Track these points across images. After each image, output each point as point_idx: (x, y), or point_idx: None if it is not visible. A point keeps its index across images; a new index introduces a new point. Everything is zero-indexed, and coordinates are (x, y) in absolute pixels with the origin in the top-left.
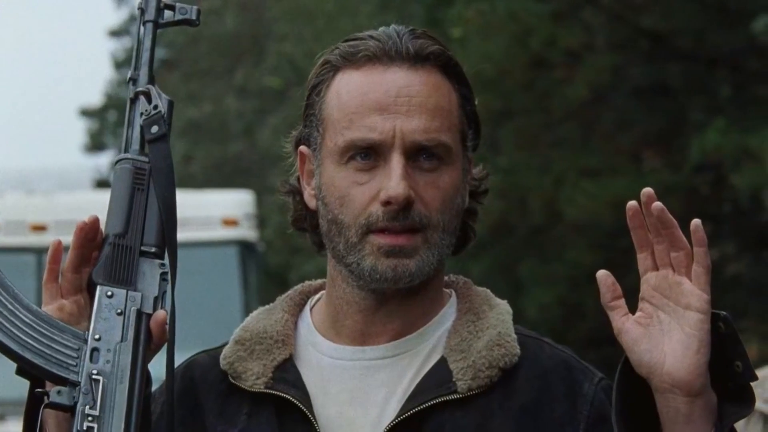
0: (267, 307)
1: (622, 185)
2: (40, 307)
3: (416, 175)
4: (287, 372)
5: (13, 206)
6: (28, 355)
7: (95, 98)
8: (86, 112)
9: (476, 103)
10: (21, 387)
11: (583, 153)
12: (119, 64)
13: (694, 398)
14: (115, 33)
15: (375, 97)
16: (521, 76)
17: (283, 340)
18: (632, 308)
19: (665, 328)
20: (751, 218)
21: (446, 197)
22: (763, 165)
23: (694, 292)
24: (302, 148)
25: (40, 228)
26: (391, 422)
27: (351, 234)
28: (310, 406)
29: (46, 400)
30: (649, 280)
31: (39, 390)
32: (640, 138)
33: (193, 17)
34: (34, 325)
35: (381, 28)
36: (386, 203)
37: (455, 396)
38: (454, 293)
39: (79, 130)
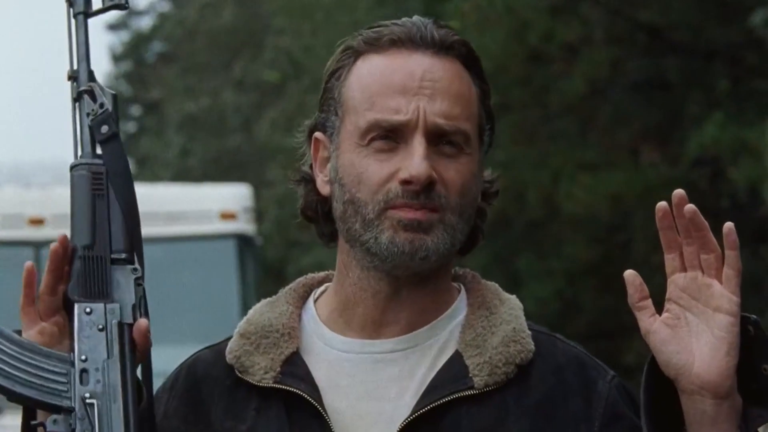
0: (270, 299)
1: (620, 179)
2: (21, 334)
3: (437, 159)
4: (296, 366)
5: (10, 200)
6: (18, 389)
7: None
8: None
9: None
10: None
11: (580, 147)
12: (117, 58)
13: (721, 401)
14: (113, 26)
15: (399, 79)
16: (519, 70)
17: (289, 333)
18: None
19: (694, 330)
20: (749, 212)
21: (465, 183)
22: (761, 159)
23: (724, 294)
24: (317, 134)
25: (37, 221)
26: (408, 417)
27: (368, 211)
28: (320, 401)
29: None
30: (677, 281)
31: (34, 422)
32: (638, 132)
33: (122, 1)
34: (19, 356)
35: (404, 18)
36: (406, 182)
37: (471, 392)
38: (462, 287)
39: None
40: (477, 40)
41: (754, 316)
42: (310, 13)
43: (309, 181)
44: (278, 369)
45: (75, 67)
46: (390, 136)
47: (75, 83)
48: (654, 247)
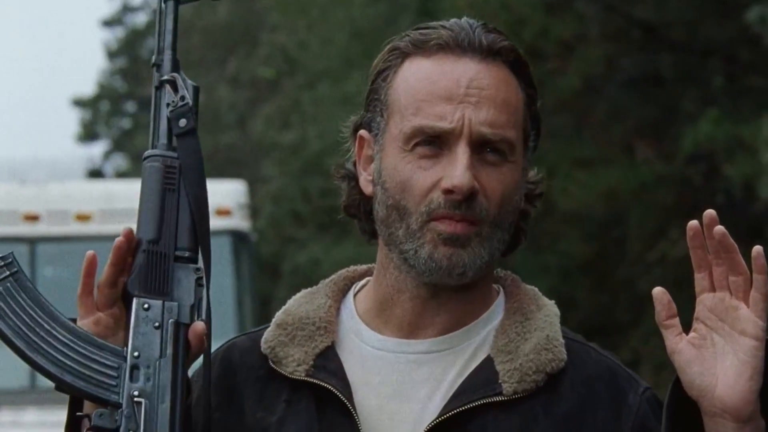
0: (310, 290)
1: (615, 176)
2: (72, 321)
3: (480, 167)
4: (329, 360)
5: (5, 196)
6: (68, 378)
7: (88, 88)
8: (79, 102)
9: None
10: (14, 376)
11: (575, 143)
12: (112, 54)
13: (743, 425)
14: (108, 23)
15: (445, 85)
16: None
17: (325, 327)
18: (630, 301)
19: (719, 352)
20: (744, 209)
21: (506, 193)
22: (756, 155)
23: (750, 318)
24: (362, 132)
25: (32, 218)
26: (434, 420)
27: (413, 221)
28: (350, 398)
29: (88, 423)
30: (705, 301)
31: (80, 413)
32: (633, 128)
33: None
34: (72, 344)
35: (453, 20)
36: (448, 192)
37: (500, 398)
38: (501, 290)
39: (71, 120)
40: None
41: None
42: (305, 9)
43: (352, 178)
44: (311, 362)
45: (160, 54)
46: (434, 142)
47: (158, 71)
48: (648, 243)
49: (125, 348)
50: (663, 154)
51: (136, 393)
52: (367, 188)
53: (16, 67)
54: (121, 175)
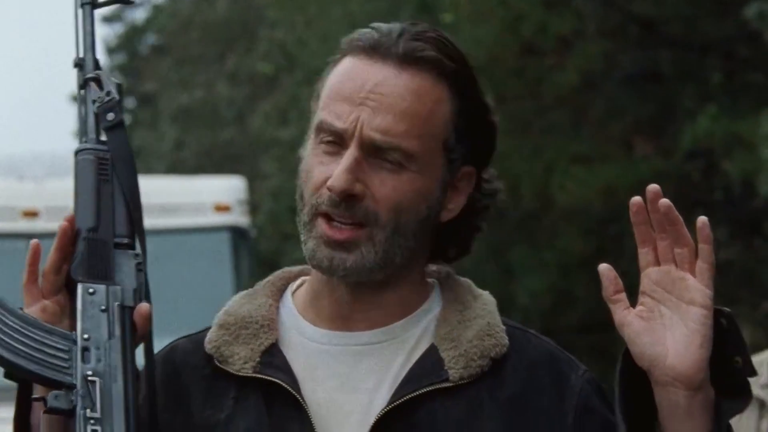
0: (248, 291)
1: (614, 172)
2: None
3: (373, 172)
4: (274, 357)
5: (4, 192)
6: (21, 362)
7: None
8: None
9: (492, 118)
10: None
11: (574, 140)
12: (111, 50)
13: (694, 392)
14: (107, 19)
15: (351, 86)
16: (512, 63)
17: (268, 325)
18: (628, 297)
19: (667, 323)
20: (743, 205)
21: (403, 201)
22: (755, 151)
23: (697, 288)
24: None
25: (31, 214)
26: (384, 409)
27: (305, 212)
28: (299, 391)
29: (43, 406)
30: (650, 275)
31: (35, 396)
32: (631, 125)
33: None
34: (23, 330)
35: (391, 24)
36: (330, 189)
37: (447, 384)
38: (437, 283)
39: (70, 116)
40: (471, 33)
41: (727, 309)
42: (303, 5)
43: None
44: (257, 359)
45: (81, 55)
46: (335, 139)
47: (81, 71)
48: None
49: (74, 332)
50: (662, 151)
51: (89, 373)
52: None
53: (14, 62)
54: None
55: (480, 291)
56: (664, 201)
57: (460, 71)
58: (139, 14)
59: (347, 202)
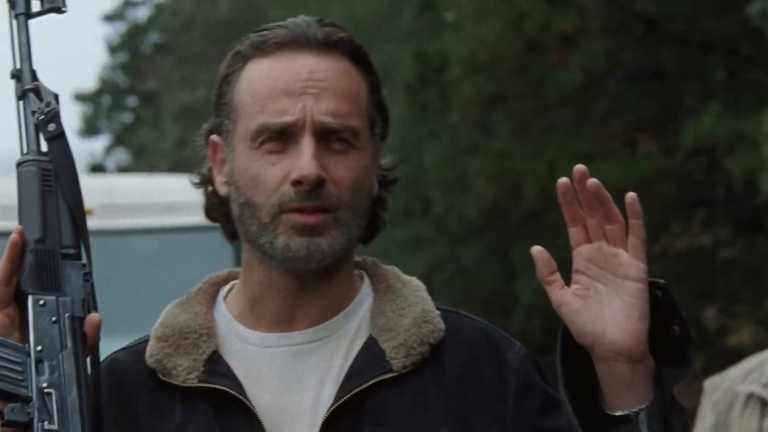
0: (179, 301)
1: (616, 170)
2: None
3: (327, 156)
4: (217, 364)
5: (5, 191)
6: None
7: (89, 83)
8: (80, 97)
9: (384, 93)
10: None
11: (576, 138)
12: (114, 49)
13: (635, 364)
14: (109, 18)
15: (285, 80)
16: (515, 61)
17: (207, 333)
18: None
19: (603, 299)
20: (745, 203)
21: (357, 179)
22: (757, 149)
23: (631, 262)
24: (213, 137)
25: None
26: (331, 406)
27: (263, 215)
28: (246, 396)
29: (0, 419)
30: (582, 253)
31: None
32: (633, 123)
33: (60, 4)
34: None
35: (290, 19)
36: (297, 183)
37: (390, 375)
38: (365, 274)
39: (73, 115)
40: (473, 31)
41: (662, 281)
42: (305, 4)
43: (209, 182)
44: (201, 368)
45: (18, 66)
46: (280, 137)
47: (18, 82)
48: (649, 237)
49: (27, 344)
50: (664, 149)
51: (44, 385)
52: (222, 190)
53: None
54: (123, 169)
55: (408, 277)
56: (593, 180)
57: (363, 50)
58: (141, 13)
59: (317, 191)
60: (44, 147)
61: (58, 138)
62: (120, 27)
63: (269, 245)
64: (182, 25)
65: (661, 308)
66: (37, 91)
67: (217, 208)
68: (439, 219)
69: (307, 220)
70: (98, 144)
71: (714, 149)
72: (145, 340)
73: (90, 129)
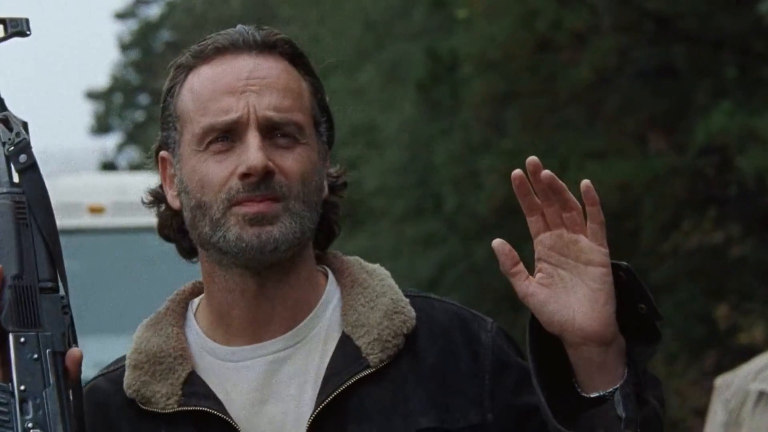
0: (151, 321)
1: (628, 168)
2: None
3: (273, 150)
4: (195, 386)
5: None
6: None
7: (101, 80)
8: (92, 95)
9: (327, 99)
10: None
11: (588, 135)
12: (125, 47)
13: (606, 347)
14: (121, 15)
15: (227, 81)
16: (526, 59)
17: (181, 355)
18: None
19: (569, 286)
20: (757, 200)
21: (305, 171)
22: None
23: (593, 248)
24: (162, 153)
25: None
26: (314, 412)
27: (214, 211)
28: (227, 414)
29: None
30: (543, 241)
31: None
32: (645, 120)
33: (24, 29)
34: None
35: (228, 29)
36: (245, 176)
37: (369, 371)
38: (329, 270)
39: (84, 113)
40: (485, 29)
41: (624, 263)
42: (317, 2)
43: (161, 199)
44: (179, 392)
45: None
46: (226, 136)
47: None
48: (661, 235)
49: (10, 383)
50: (676, 146)
51: (29, 425)
52: (174, 203)
53: (29, 59)
54: (134, 167)
55: (371, 265)
56: (546, 172)
57: (302, 53)
58: (153, 10)
59: (265, 182)
60: (15, 178)
61: (30, 169)
62: (132, 25)
63: (222, 240)
64: (194, 22)
65: (627, 288)
66: (6, 121)
67: (170, 224)
68: (451, 216)
69: (258, 208)
70: (110, 142)
71: (726, 147)
72: (121, 365)
73: (102, 127)
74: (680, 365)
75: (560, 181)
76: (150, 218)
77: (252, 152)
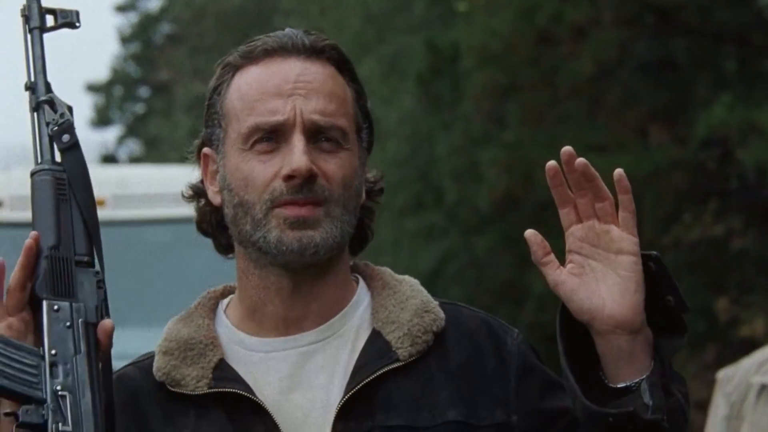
0: (181, 316)
1: (629, 161)
2: None
3: (317, 154)
4: (225, 371)
5: (19, 181)
6: None
7: (101, 73)
8: (93, 87)
9: (369, 106)
10: None
11: (589, 128)
12: (126, 39)
13: (634, 335)
14: (122, 8)
15: (275, 83)
16: (527, 52)
17: (212, 343)
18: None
19: (599, 275)
20: (758, 193)
21: (347, 176)
22: None
23: (623, 236)
24: (205, 149)
25: None
26: (343, 398)
27: (256, 211)
28: (256, 396)
29: (14, 421)
30: (574, 233)
31: (7, 411)
32: (646, 113)
33: (74, 21)
34: None
35: (277, 31)
36: (289, 178)
37: (398, 364)
38: (359, 276)
39: (85, 105)
40: (485, 22)
41: (654, 253)
42: None
43: (201, 194)
44: (210, 376)
45: (32, 78)
46: (271, 137)
47: (33, 94)
48: (662, 228)
49: (41, 348)
50: (676, 139)
51: (59, 388)
52: (215, 199)
53: None
54: (135, 160)
55: (400, 276)
56: (581, 160)
57: (348, 60)
58: (153, 3)
59: (308, 184)
60: (58, 157)
61: (72, 148)
62: (132, 17)
63: (262, 240)
64: (194, 15)
65: (655, 280)
66: (52, 103)
67: (209, 219)
68: (452, 209)
69: (299, 212)
70: (110, 134)
71: (726, 140)
72: (150, 356)
73: (102, 119)
74: (681, 358)
75: (593, 170)
76: (150, 211)
77: (297, 155)
